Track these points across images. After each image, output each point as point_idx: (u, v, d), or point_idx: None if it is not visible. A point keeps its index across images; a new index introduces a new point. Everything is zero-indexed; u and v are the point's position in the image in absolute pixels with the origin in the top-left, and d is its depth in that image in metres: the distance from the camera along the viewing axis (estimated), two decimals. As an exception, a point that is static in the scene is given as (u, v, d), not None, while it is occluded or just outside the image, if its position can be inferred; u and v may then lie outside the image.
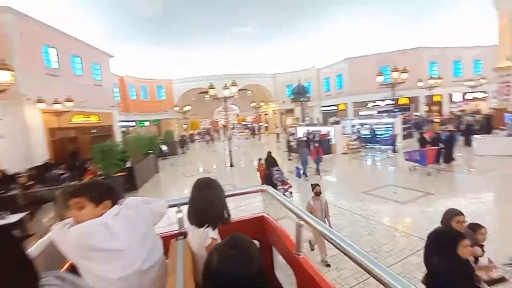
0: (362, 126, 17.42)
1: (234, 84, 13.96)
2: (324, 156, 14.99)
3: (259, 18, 48.30)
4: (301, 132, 18.88)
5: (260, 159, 9.86)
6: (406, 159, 10.32)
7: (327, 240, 1.19)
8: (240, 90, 41.84)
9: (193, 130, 40.65)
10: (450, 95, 28.24)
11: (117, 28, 42.53)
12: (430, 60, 26.65)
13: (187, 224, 1.51)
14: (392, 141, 14.70)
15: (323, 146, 15.01)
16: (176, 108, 26.35)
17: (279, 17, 47.53)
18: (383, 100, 27.53)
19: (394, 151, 14.37)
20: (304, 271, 1.33)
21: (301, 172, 10.74)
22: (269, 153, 9.87)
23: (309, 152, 11.67)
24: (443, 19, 42.96)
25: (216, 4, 44.44)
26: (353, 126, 16.62)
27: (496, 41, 17.13)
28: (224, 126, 50.77)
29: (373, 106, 28.24)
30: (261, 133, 35.46)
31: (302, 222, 1.40)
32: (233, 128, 40.94)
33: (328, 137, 15.54)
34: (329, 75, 31.61)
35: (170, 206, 1.76)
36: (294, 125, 21.71)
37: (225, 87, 14.26)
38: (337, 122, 16.50)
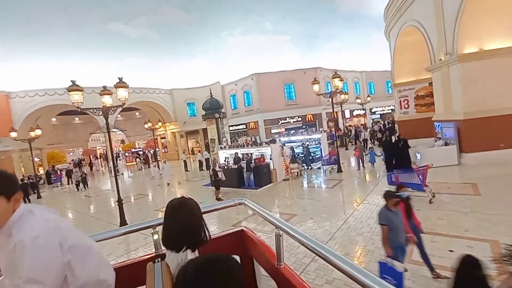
0: (285, 145, 14.80)
1: (122, 85, 8.20)
2: (265, 186, 11.23)
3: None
4: (222, 157, 14.49)
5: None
6: (393, 184, 7.81)
7: (308, 249, 1.16)
8: (125, 110, 33.32)
9: (54, 164, 28.61)
10: (343, 112, 31.22)
11: None
12: (325, 80, 28.56)
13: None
14: (334, 159, 12.57)
15: (261, 173, 11.21)
16: (14, 134, 16.36)
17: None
18: (292, 117, 27.15)
19: (340, 170, 12.24)
20: (287, 281, 1.32)
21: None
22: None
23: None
24: (336, 45, 50.90)
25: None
26: (283, 144, 13.81)
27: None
28: (101, 156, 39.30)
29: (282, 123, 27.43)
30: (158, 160, 28.36)
31: (281, 233, 1.38)
32: (118, 157, 31.43)
33: (266, 161, 11.89)
34: (236, 91, 29.10)
35: (144, 228, 1.68)
36: (211, 148, 17.07)
37: (104, 92, 8.29)
38: (272, 141, 13.19)
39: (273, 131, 27.50)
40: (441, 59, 11.21)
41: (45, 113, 24.65)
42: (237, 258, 1.21)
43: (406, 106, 17.57)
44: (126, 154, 33.13)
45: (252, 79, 26.98)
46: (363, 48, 46.44)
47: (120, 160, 28.25)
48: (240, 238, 1.92)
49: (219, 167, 10.87)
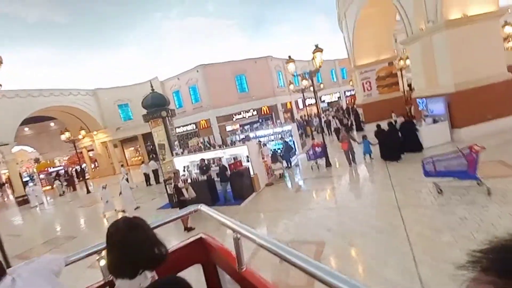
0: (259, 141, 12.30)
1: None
2: (248, 198, 8.51)
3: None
4: (180, 166, 11.11)
5: None
6: (430, 174, 5.99)
7: (269, 251, 1.11)
8: (35, 120, 25.39)
9: None
10: (296, 102, 30.26)
11: None
12: (277, 70, 26.92)
13: None
14: (319, 152, 10.54)
15: (241, 182, 8.48)
16: None
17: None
18: (247, 111, 24.71)
19: (328, 164, 10.31)
20: (250, 283, 1.32)
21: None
22: None
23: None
24: (285, 29, 48.91)
25: None
26: (260, 142, 11.17)
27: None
28: (7, 182, 29.41)
29: (237, 119, 24.78)
30: (87, 179, 22.57)
31: (239, 236, 1.36)
32: (29, 182, 23.94)
33: (244, 165, 9.11)
34: (179, 87, 25.09)
35: (90, 255, 1.50)
36: (160, 156, 13.31)
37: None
38: (247, 138, 10.45)
39: (228, 128, 24.66)
40: (422, 28, 10.17)
41: None
42: (200, 267, 1.70)
43: (369, 88, 16.94)
44: (41, 176, 25.67)
45: (197, 71, 23.45)
46: (309, 35, 46.50)
47: (34, 185, 20.99)
48: (200, 246, 1.82)
49: (184, 181, 7.62)
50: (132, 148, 30.11)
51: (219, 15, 44.49)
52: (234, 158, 9.84)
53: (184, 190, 7.14)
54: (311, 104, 32.17)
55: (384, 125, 9.86)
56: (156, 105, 13.38)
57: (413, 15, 10.56)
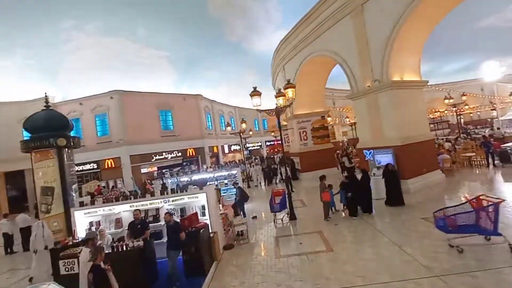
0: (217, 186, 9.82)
1: None
2: (209, 275, 5.72)
3: None
4: (82, 222, 7.05)
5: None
6: (447, 231, 5.14)
7: None
8: None
9: None
10: (222, 147, 28.71)
11: None
12: (206, 111, 25.35)
13: None
14: (282, 202, 8.89)
15: (201, 248, 5.77)
16: None
17: None
18: (170, 152, 21.28)
19: (293, 217, 8.69)
20: None
21: None
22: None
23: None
24: (214, 75, 47.30)
25: None
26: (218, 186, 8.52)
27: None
28: None
29: (157, 160, 20.82)
30: None
31: None
32: None
33: (202, 220, 6.33)
34: (81, 114, 19.55)
35: None
36: (44, 206, 8.48)
37: None
38: (201, 182, 7.65)
39: (142, 170, 20.18)
40: (369, 86, 11.05)
41: None
42: None
43: (305, 137, 17.41)
44: None
45: (111, 98, 19.09)
46: (236, 85, 47.77)
47: None
48: None
49: (99, 259, 4.09)
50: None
51: (150, 43, 40.68)
52: (180, 210, 6.89)
53: (110, 275, 3.81)
54: (236, 150, 31.46)
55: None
56: (51, 129, 9.05)
57: (360, 74, 11.53)
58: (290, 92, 8.40)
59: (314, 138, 17.49)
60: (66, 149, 9.29)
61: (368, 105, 11.37)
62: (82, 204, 7.34)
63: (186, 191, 7.23)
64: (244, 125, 17.63)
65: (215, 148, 26.37)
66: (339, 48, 12.58)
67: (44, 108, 9.59)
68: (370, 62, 11.02)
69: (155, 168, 21.47)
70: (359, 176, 8.59)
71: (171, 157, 21.39)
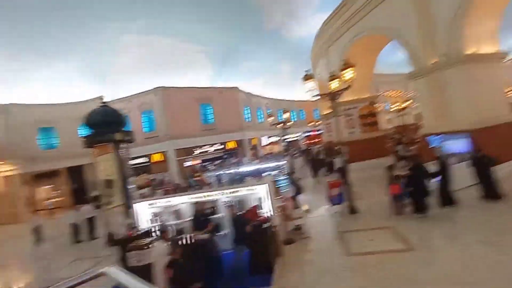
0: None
1: None
2: (278, 272, 5.35)
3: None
4: (142, 215, 7.21)
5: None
6: None
7: None
8: None
9: None
10: (260, 139, 28.50)
11: None
12: (243, 103, 25.21)
13: None
14: (340, 194, 8.21)
15: (265, 243, 5.38)
16: None
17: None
18: (211, 145, 21.59)
19: (354, 211, 7.99)
20: None
21: None
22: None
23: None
24: (253, 65, 47.65)
25: None
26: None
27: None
28: None
29: (200, 153, 21.29)
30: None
31: None
32: None
33: (260, 213, 6.02)
34: (129, 111, 20.67)
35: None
36: (105, 198, 8.95)
37: None
38: (256, 172, 7.42)
39: (186, 164, 20.79)
40: (434, 62, 9.66)
41: None
42: None
43: (352, 126, 16.26)
44: None
45: (155, 95, 19.84)
46: (271, 76, 47.11)
47: None
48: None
49: (178, 254, 3.89)
50: (50, 187, 22.67)
51: (187, 38, 41.58)
52: (238, 202, 6.65)
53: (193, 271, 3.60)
54: (274, 142, 31.04)
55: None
56: (108, 124, 9.43)
57: (422, 49, 10.13)
58: (349, 73, 7.58)
59: (362, 125, 16.25)
60: (123, 143, 9.66)
61: (431, 85, 9.99)
62: (143, 197, 7.49)
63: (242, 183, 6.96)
64: (287, 114, 17.03)
65: (253, 140, 26.22)
66: (395, 22, 11.22)
67: (101, 105, 10.00)
68: (435, 34, 9.59)
69: (199, 161, 22.01)
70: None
71: (213, 150, 21.70)
